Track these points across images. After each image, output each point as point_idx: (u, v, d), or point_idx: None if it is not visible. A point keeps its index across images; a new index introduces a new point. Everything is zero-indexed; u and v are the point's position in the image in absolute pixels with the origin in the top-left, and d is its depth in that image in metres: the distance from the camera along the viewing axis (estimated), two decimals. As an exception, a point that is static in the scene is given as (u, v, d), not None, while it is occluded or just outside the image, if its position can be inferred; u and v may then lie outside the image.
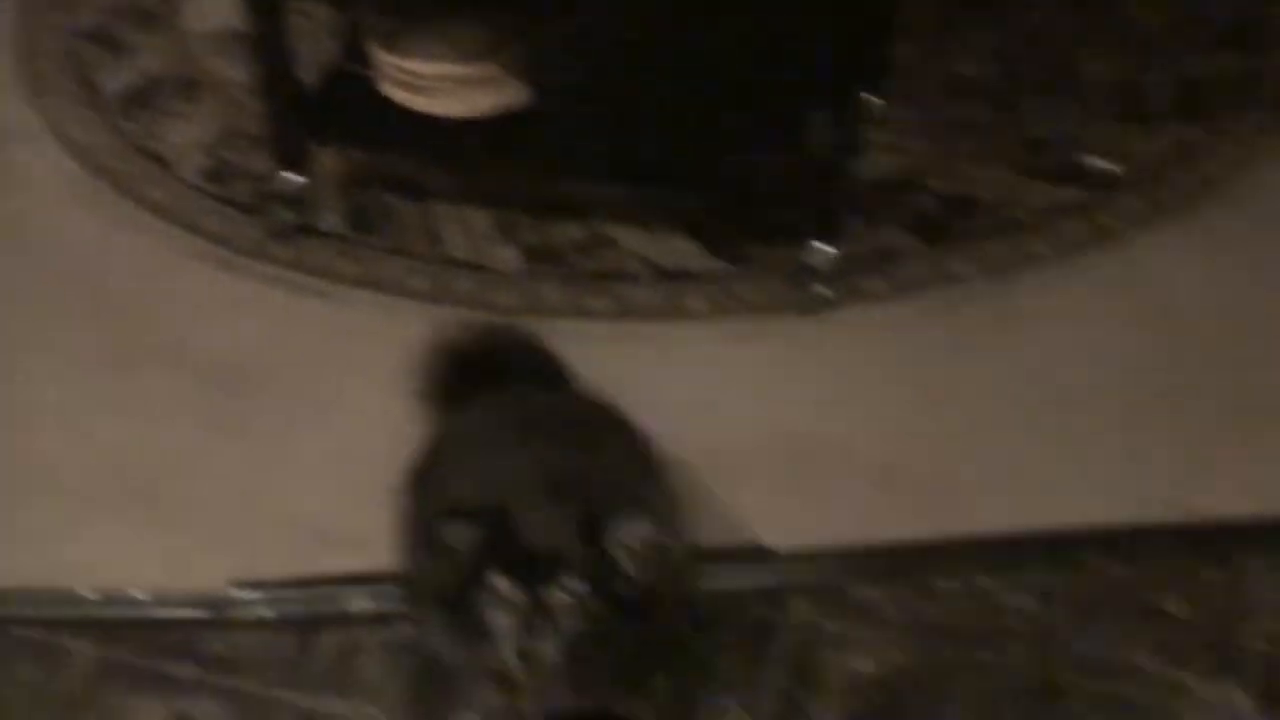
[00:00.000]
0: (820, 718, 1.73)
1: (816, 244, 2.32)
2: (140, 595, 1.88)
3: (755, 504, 1.97)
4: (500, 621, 1.43)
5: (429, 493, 1.65)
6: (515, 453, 1.61)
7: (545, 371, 1.94)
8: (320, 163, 2.52)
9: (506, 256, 2.46)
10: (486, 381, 1.85)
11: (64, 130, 2.76)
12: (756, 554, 1.92)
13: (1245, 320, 2.30)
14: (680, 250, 2.47)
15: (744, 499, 1.96)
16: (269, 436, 2.13)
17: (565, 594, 1.41)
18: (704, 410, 2.08)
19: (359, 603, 1.86)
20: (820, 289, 2.33)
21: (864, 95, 2.26)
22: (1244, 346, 2.25)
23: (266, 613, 1.86)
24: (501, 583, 1.42)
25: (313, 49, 2.57)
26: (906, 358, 2.26)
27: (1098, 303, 2.34)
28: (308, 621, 1.85)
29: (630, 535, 1.44)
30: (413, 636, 1.71)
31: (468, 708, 1.67)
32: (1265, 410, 2.14)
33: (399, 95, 2.36)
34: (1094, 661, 1.79)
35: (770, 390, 2.19)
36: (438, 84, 2.33)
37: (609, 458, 1.66)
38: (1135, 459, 2.06)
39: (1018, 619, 1.85)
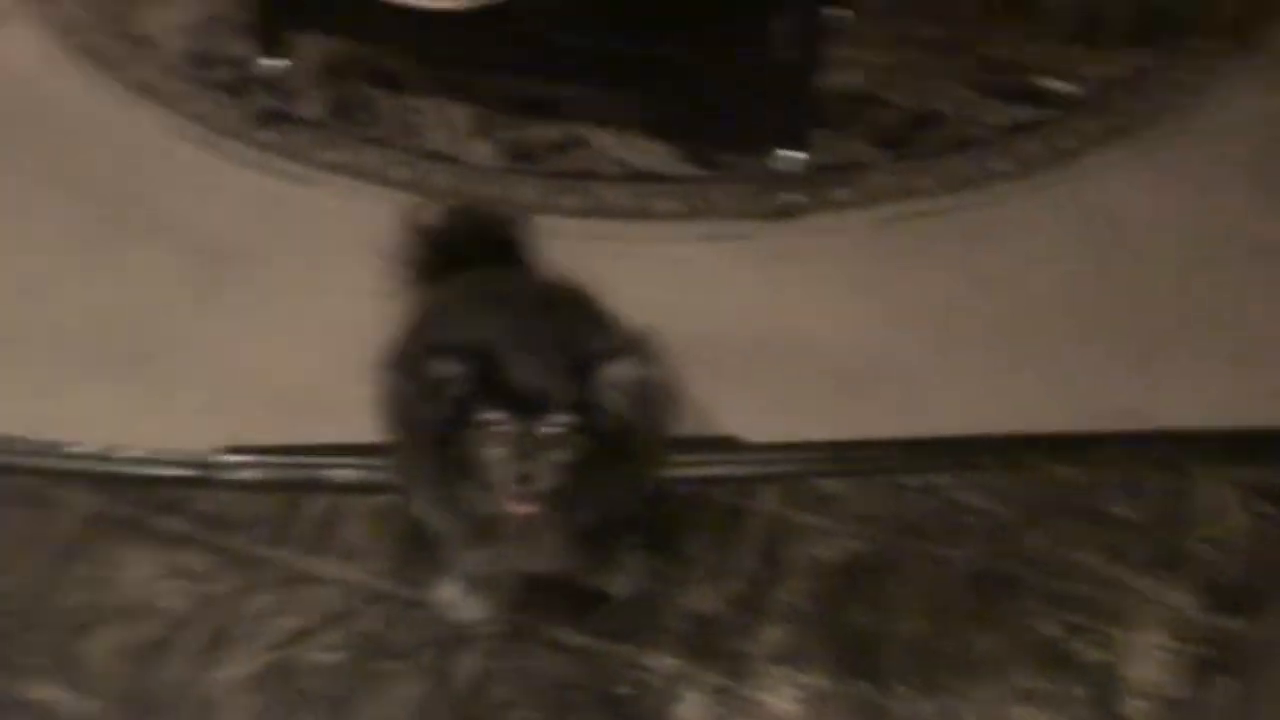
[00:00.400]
0: (781, 597, 1.79)
1: (785, 152, 2.37)
2: (133, 453, 1.92)
3: (724, 398, 2.01)
4: (492, 453, 1.47)
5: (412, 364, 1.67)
6: (498, 316, 1.63)
7: (513, 256, 1.96)
8: (301, 51, 2.54)
9: (483, 151, 2.49)
10: (458, 263, 1.87)
11: (49, 10, 2.78)
12: (728, 445, 1.97)
13: (1193, 237, 2.37)
14: (652, 153, 2.51)
15: (713, 393, 1.99)
16: (253, 310, 2.17)
17: (553, 427, 1.46)
18: (673, 308, 2.06)
19: (343, 471, 1.90)
20: (788, 196, 2.38)
21: (828, 8, 2.32)
22: (1192, 263, 2.33)
23: (253, 476, 1.91)
24: (493, 415, 1.46)
25: (295, -65, 2.57)
26: (871, 265, 2.32)
27: (1054, 219, 2.41)
28: (293, 486, 1.89)
29: (617, 375, 1.48)
30: (399, 505, 1.76)
31: (451, 572, 1.74)
32: (1212, 324, 2.22)
33: (382, -16, 2.37)
34: (1043, 558, 1.86)
35: (738, 291, 2.25)
36: (421, -27, 2.33)
37: (584, 326, 1.69)
38: (1088, 369, 2.13)
39: (972, 516, 1.91)
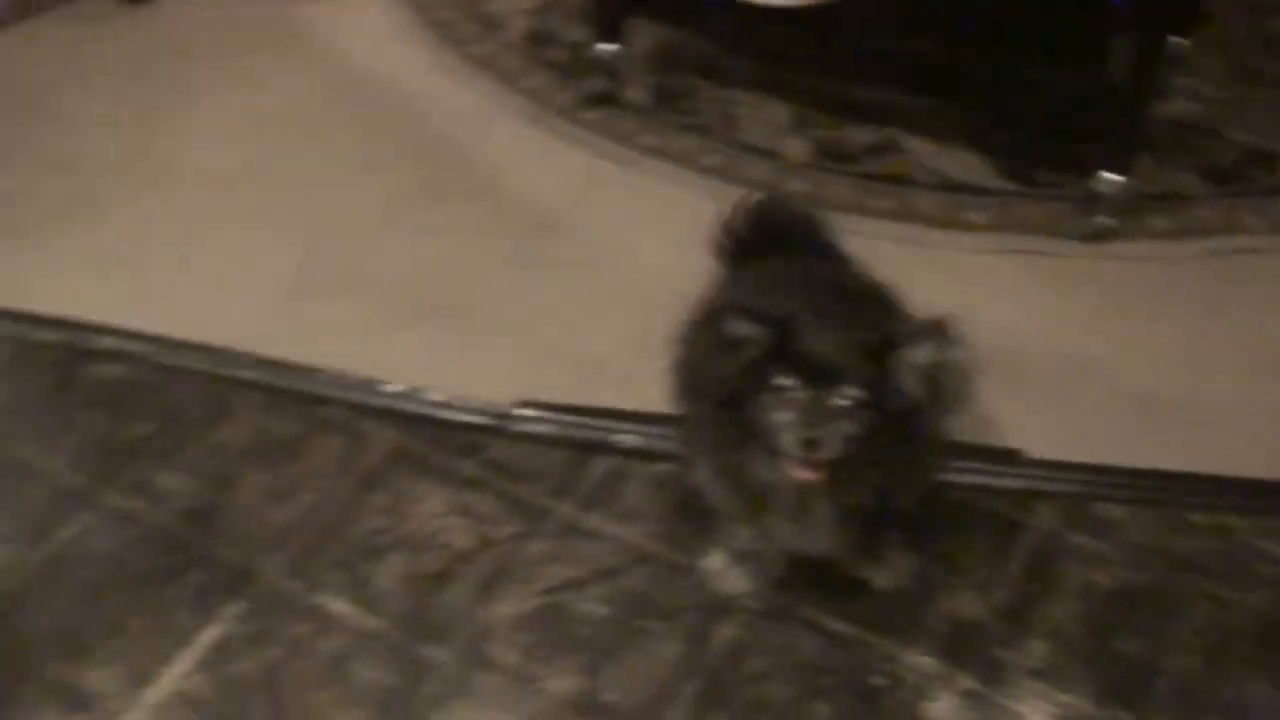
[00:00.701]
0: (1048, 615, 1.76)
1: (1105, 174, 2.32)
2: (437, 396, 2.04)
3: (1014, 412, 1.99)
4: (781, 417, 1.49)
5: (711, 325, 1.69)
6: (800, 294, 1.64)
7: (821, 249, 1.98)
8: (634, 39, 2.64)
9: (798, 148, 2.54)
10: (769, 248, 1.90)
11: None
12: (1010, 457, 1.95)
13: None
14: (969, 165, 2.50)
15: (1002, 405, 1.98)
16: (563, 277, 2.27)
17: (843, 399, 1.47)
18: (972, 318, 2.09)
19: (628, 437, 1.97)
20: (1104, 219, 2.34)
21: (1169, 35, 2.26)
22: None
23: (544, 431, 2.00)
24: (785, 379, 1.48)
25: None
26: (1182, 297, 2.25)
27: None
28: (581, 445, 1.97)
29: (915, 357, 1.48)
30: (678, 473, 1.82)
31: (720, 545, 1.78)
32: None
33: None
34: (1336, 617, 1.77)
35: (1040, 308, 2.22)
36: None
37: (884, 311, 1.69)
38: None
39: (1265, 563, 1.83)
